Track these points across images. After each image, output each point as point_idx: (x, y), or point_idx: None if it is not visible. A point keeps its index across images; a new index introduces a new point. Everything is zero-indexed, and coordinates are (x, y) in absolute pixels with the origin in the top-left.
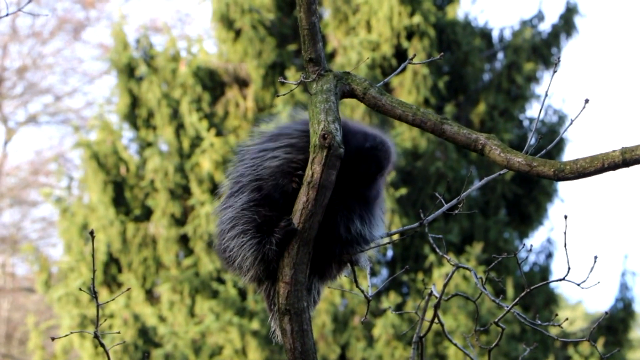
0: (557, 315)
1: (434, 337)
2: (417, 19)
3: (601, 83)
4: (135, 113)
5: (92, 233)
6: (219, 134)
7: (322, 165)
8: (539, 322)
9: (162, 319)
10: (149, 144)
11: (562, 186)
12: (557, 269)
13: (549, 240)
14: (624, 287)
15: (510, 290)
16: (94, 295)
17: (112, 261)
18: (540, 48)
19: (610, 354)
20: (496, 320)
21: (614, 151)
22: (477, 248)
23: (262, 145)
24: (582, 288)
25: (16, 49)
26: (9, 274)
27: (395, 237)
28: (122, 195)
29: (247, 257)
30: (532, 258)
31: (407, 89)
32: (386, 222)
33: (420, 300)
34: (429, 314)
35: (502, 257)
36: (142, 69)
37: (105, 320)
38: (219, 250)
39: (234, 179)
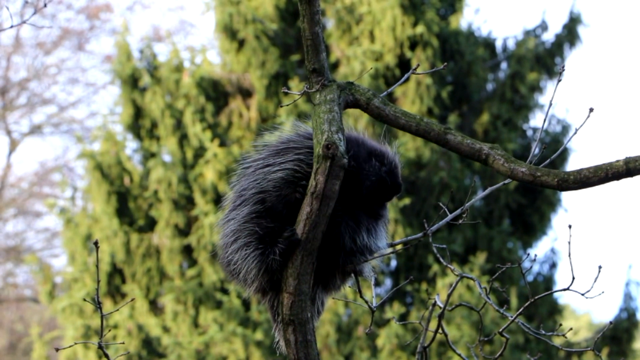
0: (561, 325)
1: (437, 347)
2: (420, 29)
3: (605, 92)
4: (138, 123)
5: (96, 244)
6: (222, 144)
7: (326, 175)
8: (543, 331)
9: (166, 329)
10: (153, 155)
11: (565, 196)
12: (561, 279)
13: (552, 250)
14: (628, 297)
15: (514, 300)
16: (98, 305)
17: (116, 272)
18: (544, 58)
19: None
20: (500, 330)
21: (617, 161)
22: (480, 258)
23: (268, 159)
24: (587, 298)
25: (20, 60)
26: (12, 284)
27: (399, 247)
28: (126, 206)
29: (251, 268)
30: (536, 268)
31: (410, 98)
32: (390, 232)
33: (424, 310)
34: (433, 324)
35: (505, 267)
36: (145, 80)
37: (109, 330)
38: (224, 263)
39: (237, 192)
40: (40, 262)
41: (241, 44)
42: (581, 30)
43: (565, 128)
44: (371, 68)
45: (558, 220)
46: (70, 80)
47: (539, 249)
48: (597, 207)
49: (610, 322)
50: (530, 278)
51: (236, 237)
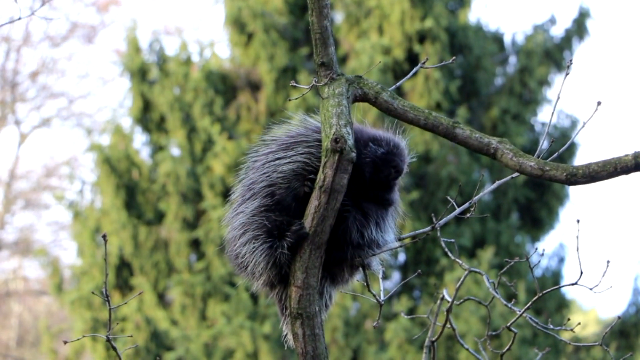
0: (569, 319)
1: (445, 341)
2: (429, 22)
3: (614, 86)
4: (147, 117)
5: (104, 237)
6: (231, 137)
7: (334, 169)
8: (551, 326)
9: (174, 322)
10: (161, 148)
11: (573, 190)
12: (569, 274)
13: (560, 245)
14: (637, 292)
15: (522, 295)
16: (106, 298)
17: (125, 265)
18: (553, 52)
19: (622, 358)
20: (508, 324)
21: (626, 155)
22: (488, 252)
23: (278, 153)
24: (595, 292)
25: (30, 52)
26: (21, 277)
27: (407, 240)
28: (135, 199)
29: (259, 262)
30: (544, 262)
31: (419, 92)
32: (398, 226)
33: (432, 304)
34: (441, 318)
35: (514, 261)
36: (154, 73)
37: (118, 323)
38: (231, 257)
39: (247, 186)
40: (49, 255)
41: (250, 37)
42: (589, 23)
43: (574, 122)
44: (380, 62)
45: (566, 214)
46: (79, 74)
47: (547, 243)
48: (605, 201)
49: (619, 317)
50: (538, 272)
51: (244, 230)
